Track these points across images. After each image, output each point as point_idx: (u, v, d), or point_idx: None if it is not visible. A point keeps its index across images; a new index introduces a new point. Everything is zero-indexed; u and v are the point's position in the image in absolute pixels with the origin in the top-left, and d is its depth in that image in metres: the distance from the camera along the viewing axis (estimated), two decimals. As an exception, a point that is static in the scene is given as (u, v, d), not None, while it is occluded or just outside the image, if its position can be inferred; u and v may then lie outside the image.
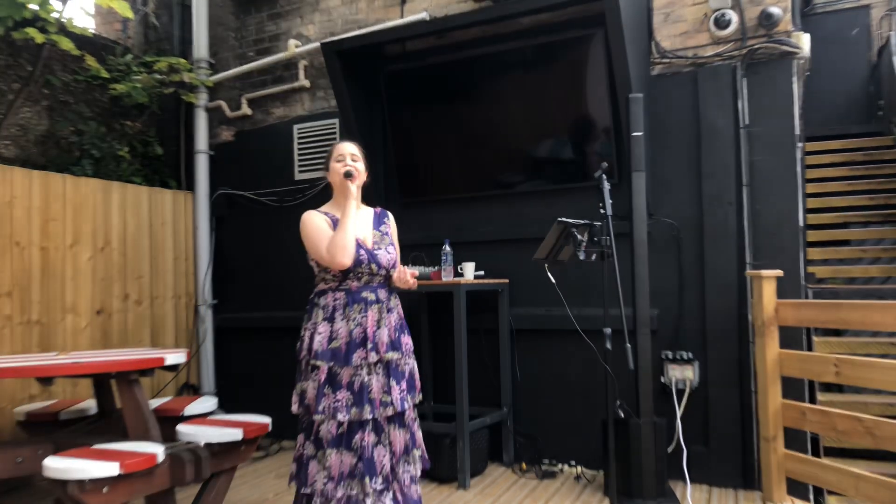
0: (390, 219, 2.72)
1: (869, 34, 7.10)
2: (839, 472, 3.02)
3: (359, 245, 2.47)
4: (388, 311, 2.51)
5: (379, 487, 2.40)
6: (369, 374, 2.43)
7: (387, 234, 2.63)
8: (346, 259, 2.37)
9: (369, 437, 2.42)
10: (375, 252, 2.51)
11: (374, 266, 2.48)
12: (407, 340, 2.56)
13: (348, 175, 2.50)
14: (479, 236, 4.27)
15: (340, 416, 2.38)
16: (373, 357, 2.42)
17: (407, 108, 4.41)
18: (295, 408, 2.50)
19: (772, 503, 3.27)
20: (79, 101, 4.77)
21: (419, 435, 2.61)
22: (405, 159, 4.44)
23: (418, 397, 2.57)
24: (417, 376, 2.60)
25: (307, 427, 2.50)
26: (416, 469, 2.51)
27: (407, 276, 2.51)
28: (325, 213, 2.54)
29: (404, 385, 2.49)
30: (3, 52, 4.31)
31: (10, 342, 3.86)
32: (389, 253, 2.55)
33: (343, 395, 2.41)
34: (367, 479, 2.38)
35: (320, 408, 2.41)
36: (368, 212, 2.69)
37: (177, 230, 5.01)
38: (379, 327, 2.46)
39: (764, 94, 3.58)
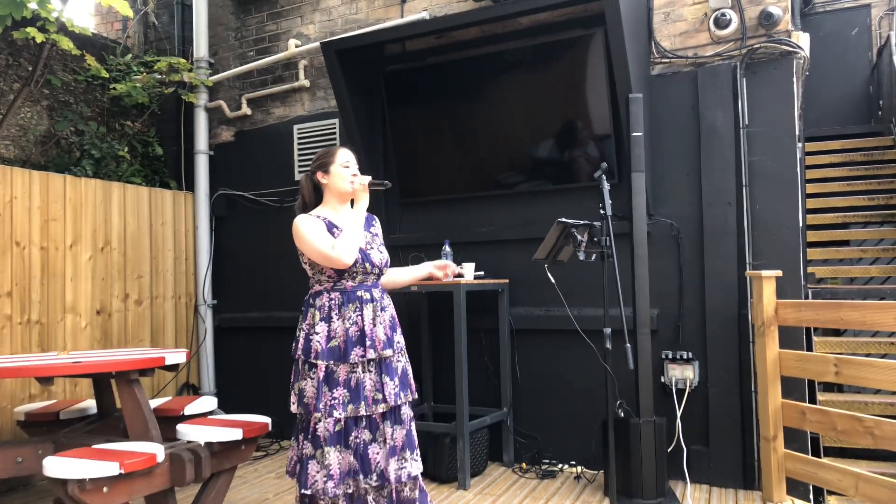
0: (377, 223, 2.77)
1: (869, 34, 7.10)
2: (839, 471, 3.02)
3: None
4: (382, 309, 2.55)
5: (374, 484, 2.44)
6: (363, 371, 2.48)
7: (377, 235, 2.69)
8: (351, 260, 2.44)
9: (363, 435, 2.46)
10: (368, 252, 2.56)
11: (367, 265, 2.53)
12: (399, 339, 2.60)
13: (381, 186, 2.62)
14: (479, 236, 4.27)
15: (337, 413, 2.41)
16: (371, 354, 2.46)
17: (407, 108, 4.41)
18: (294, 407, 2.52)
19: (772, 503, 3.27)
20: (79, 101, 4.78)
21: (415, 435, 2.62)
22: (405, 159, 4.44)
23: (412, 396, 2.59)
24: (411, 375, 2.63)
25: (305, 426, 2.52)
26: (416, 468, 2.52)
27: (453, 269, 2.70)
28: (318, 217, 2.56)
29: (397, 381, 2.53)
30: (3, 51, 4.31)
31: (10, 342, 3.86)
32: (382, 253, 2.62)
33: (340, 392, 2.44)
34: (360, 477, 2.43)
35: (319, 405, 2.44)
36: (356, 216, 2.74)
37: (177, 230, 5.02)
38: (375, 325, 2.50)
39: (764, 94, 3.58)
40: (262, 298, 5.02)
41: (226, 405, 4.97)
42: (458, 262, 4.11)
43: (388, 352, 2.50)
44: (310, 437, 2.48)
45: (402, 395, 2.53)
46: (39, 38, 3.86)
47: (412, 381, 2.62)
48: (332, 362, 2.46)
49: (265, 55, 5.05)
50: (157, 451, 2.62)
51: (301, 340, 2.54)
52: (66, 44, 3.98)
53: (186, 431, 2.93)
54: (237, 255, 5.11)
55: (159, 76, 4.92)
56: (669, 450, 3.60)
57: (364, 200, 2.59)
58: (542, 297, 4.06)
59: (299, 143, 4.88)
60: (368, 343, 2.47)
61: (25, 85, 4.12)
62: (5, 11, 3.57)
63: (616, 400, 2.89)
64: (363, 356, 2.46)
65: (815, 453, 3.52)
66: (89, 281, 4.33)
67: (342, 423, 2.46)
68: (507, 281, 4.11)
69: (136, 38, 5.60)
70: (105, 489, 2.46)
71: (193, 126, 5.16)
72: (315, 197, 2.67)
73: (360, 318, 2.49)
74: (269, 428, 3.17)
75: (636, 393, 3.38)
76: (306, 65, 4.88)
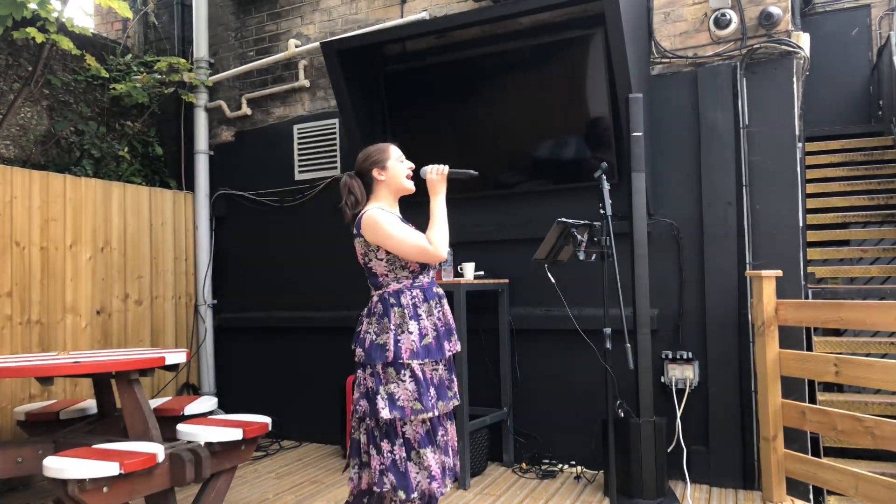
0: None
1: (869, 34, 7.10)
2: (839, 471, 3.02)
3: None
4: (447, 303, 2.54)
5: (452, 478, 2.45)
6: (444, 368, 2.45)
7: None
8: (447, 253, 2.44)
9: (452, 432, 2.47)
10: None
11: (436, 262, 2.50)
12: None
13: (468, 175, 2.66)
14: (479, 236, 4.27)
15: (435, 413, 2.35)
16: (458, 346, 2.48)
17: (407, 108, 4.41)
18: (386, 413, 2.31)
19: (772, 503, 3.27)
20: (79, 101, 4.78)
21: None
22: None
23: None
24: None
25: (392, 432, 2.36)
26: (458, 464, 2.53)
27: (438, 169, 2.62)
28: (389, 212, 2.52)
29: (454, 377, 2.53)
30: (3, 51, 4.31)
31: (10, 342, 3.86)
32: None
33: (433, 392, 2.40)
34: (446, 477, 2.42)
35: (428, 403, 2.33)
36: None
37: (177, 230, 5.02)
38: (451, 320, 2.49)
39: (764, 94, 3.58)
40: (262, 298, 5.02)
41: (226, 405, 4.97)
42: (457, 262, 4.11)
43: (459, 345, 2.51)
44: (401, 441, 2.35)
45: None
46: (39, 38, 3.86)
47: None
48: (427, 360, 2.38)
49: (265, 55, 5.05)
50: (157, 451, 2.62)
51: (391, 343, 2.34)
52: (66, 44, 3.98)
53: (186, 431, 2.93)
54: (237, 255, 5.11)
55: (159, 76, 4.92)
56: (669, 450, 3.60)
57: (442, 192, 2.56)
58: (542, 297, 4.06)
59: (299, 143, 4.88)
60: (455, 337, 2.47)
61: (25, 85, 4.12)
62: (6, 12, 3.57)
63: (616, 400, 2.88)
64: (451, 350, 2.45)
65: (815, 453, 3.52)
66: (89, 281, 4.33)
67: (429, 423, 2.37)
68: (507, 281, 4.11)
69: (136, 38, 5.60)
70: (105, 489, 2.46)
71: (193, 126, 5.16)
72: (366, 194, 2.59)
73: (440, 312, 2.45)
74: (269, 428, 3.17)
75: (636, 393, 3.38)
76: (306, 65, 4.88)
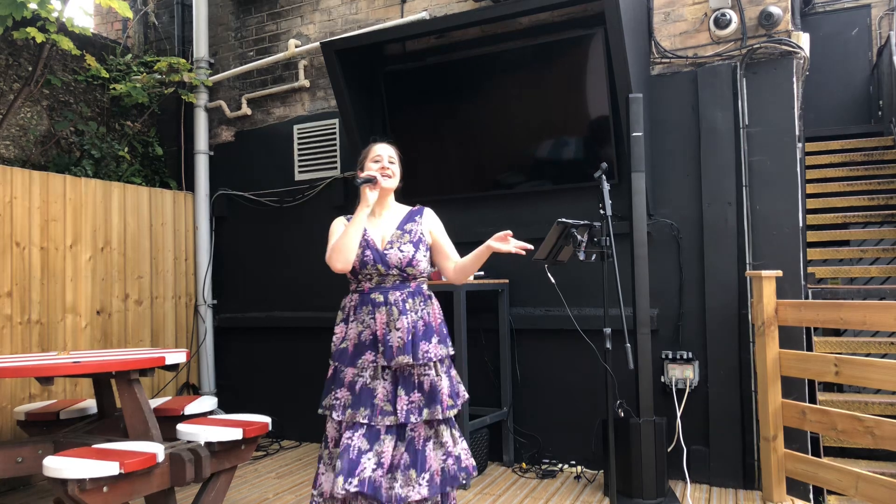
0: (425, 215, 2.60)
1: (869, 34, 7.10)
2: (839, 471, 3.02)
3: (368, 246, 2.41)
4: (403, 312, 2.36)
5: (353, 490, 2.23)
6: (374, 377, 2.36)
7: (410, 231, 2.49)
8: (338, 264, 2.33)
9: (358, 442, 2.30)
10: (385, 252, 2.41)
11: (381, 267, 2.39)
12: (427, 349, 2.37)
13: (367, 181, 2.41)
14: (478, 236, 4.25)
15: (336, 415, 2.36)
16: (382, 361, 2.35)
17: (407, 108, 4.41)
18: (321, 410, 2.48)
19: (772, 503, 3.27)
20: (79, 101, 4.78)
21: (431, 458, 2.35)
22: (405, 159, 4.42)
23: (444, 413, 2.34)
24: (445, 391, 2.36)
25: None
26: (414, 493, 2.27)
27: (509, 243, 2.44)
28: (349, 217, 2.53)
29: (416, 396, 2.33)
30: (3, 51, 4.31)
31: (10, 342, 3.86)
32: (402, 251, 2.41)
33: (342, 393, 2.38)
34: (339, 479, 2.23)
35: (325, 402, 2.43)
36: (400, 210, 2.60)
37: (177, 230, 5.02)
38: (389, 330, 2.35)
39: (764, 94, 3.58)
40: (262, 298, 5.02)
41: (226, 405, 4.98)
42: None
43: (406, 358, 2.31)
44: (324, 437, 2.46)
45: (424, 412, 2.32)
46: (39, 38, 3.86)
47: (446, 399, 2.36)
48: (340, 364, 2.41)
49: (265, 55, 5.05)
50: (157, 450, 2.62)
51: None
52: (66, 44, 3.98)
53: (186, 431, 2.93)
54: (237, 255, 5.11)
55: (159, 76, 4.92)
56: (669, 450, 3.60)
57: (363, 198, 2.38)
58: (542, 297, 4.06)
59: (299, 143, 4.88)
60: (381, 348, 2.35)
61: (25, 85, 4.12)
62: (6, 12, 3.57)
63: (616, 400, 2.88)
64: (374, 362, 2.35)
65: (815, 453, 3.52)
66: (89, 281, 4.33)
67: (343, 425, 2.37)
68: (507, 281, 4.11)
69: (136, 38, 5.60)
70: (105, 489, 2.46)
71: (193, 126, 5.16)
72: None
73: (372, 321, 2.38)
74: (269, 428, 3.17)
75: (636, 393, 3.38)
76: (306, 65, 4.88)
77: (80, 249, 4.29)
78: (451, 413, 2.38)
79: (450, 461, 2.38)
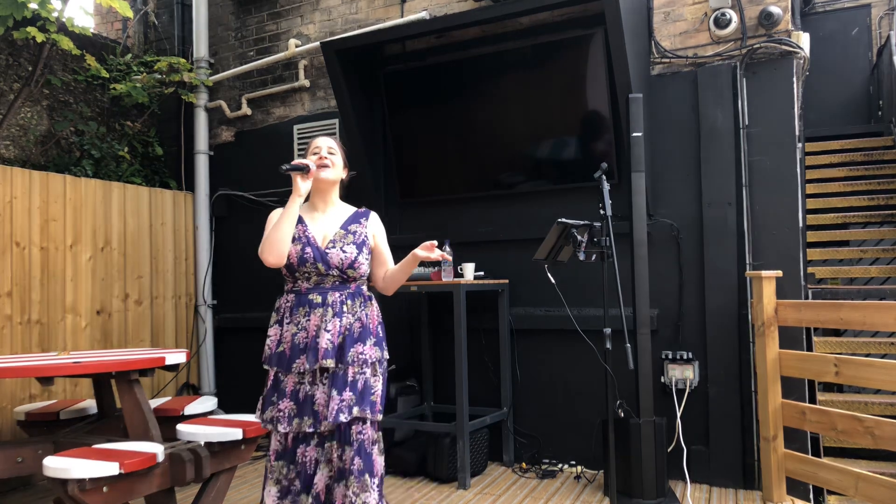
0: (371, 219, 2.47)
1: (869, 34, 7.10)
2: (839, 471, 3.02)
3: (308, 243, 2.32)
4: (337, 315, 2.27)
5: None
6: (313, 383, 2.26)
7: (354, 233, 2.38)
8: (270, 257, 2.23)
9: (312, 453, 2.24)
10: (327, 251, 2.31)
11: (321, 266, 2.29)
12: (362, 350, 2.28)
13: (295, 169, 2.27)
14: (479, 236, 4.27)
15: (281, 428, 2.23)
16: (307, 364, 2.23)
17: (407, 108, 4.41)
18: (257, 414, 2.34)
19: (772, 503, 3.27)
20: (79, 101, 4.78)
21: (378, 464, 2.28)
22: (405, 159, 4.44)
23: (372, 416, 2.25)
24: (379, 392, 2.30)
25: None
26: (369, 498, 2.19)
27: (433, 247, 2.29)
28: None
29: (347, 395, 2.22)
30: (3, 51, 4.31)
31: (10, 342, 3.86)
32: (344, 252, 2.31)
33: (286, 404, 2.26)
34: (302, 497, 2.21)
35: (266, 416, 2.29)
36: (345, 210, 2.48)
37: (177, 230, 5.02)
38: (320, 333, 2.25)
39: (764, 94, 3.58)
40: (262, 298, 5.01)
41: (226, 405, 4.97)
42: (458, 262, 4.11)
43: (329, 362, 2.22)
44: (269, 447, 2.34)
45: (354, 409, 2.20)
46: (40, 37, 3.86)
47: (380, 400, 2.30)
48: (278, 370, 2.29)
49: (265, 55, 5.05)
50: (157, 451, 2.62)
51: (265, 343, 2.38)
52: (67, 44, 3.98)
53: (186, 431, 2.93)
54: (237, 255, 5.11)
55: (159, 76, 4.92)
56: (669, 450, 3.60)
57: (295, 188, 2.25)
58: (542, 297, 4.06)
59: (299, 144, 4.88)
60: (310, 353, 2.24)
61: (25, 85, 4.12)
62: (6, 12, 3.57)
63: (616, 400, 2.88)
64: (303, 365, 2.25)
65: (815, 453, 3.52)
66: (89, 281, 4.33)
67: (289, 438, 2.27)
68: (507, 281, 4.11)
69: (136, 38, 5.60)
70: (105, 489, 2.46)
71: (193, 126, 5.16)
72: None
73: (308, 323, 2.27)
74: (269, 428, 3.16)
75: (636, 393, 3.38)
76: (306, 65, 4.88)
77: (80, 249, 4.29)
78: (380, 417, 2.28)
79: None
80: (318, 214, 2.43)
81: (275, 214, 2.41)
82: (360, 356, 2.27)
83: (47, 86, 4.52)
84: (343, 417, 2.19)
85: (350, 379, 2.24)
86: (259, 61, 5.01)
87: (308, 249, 2.31)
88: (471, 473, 3.73)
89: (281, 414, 2.25)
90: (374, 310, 2.40)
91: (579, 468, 3.90)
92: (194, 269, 5.12)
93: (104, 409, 3.31)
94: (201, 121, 5.14)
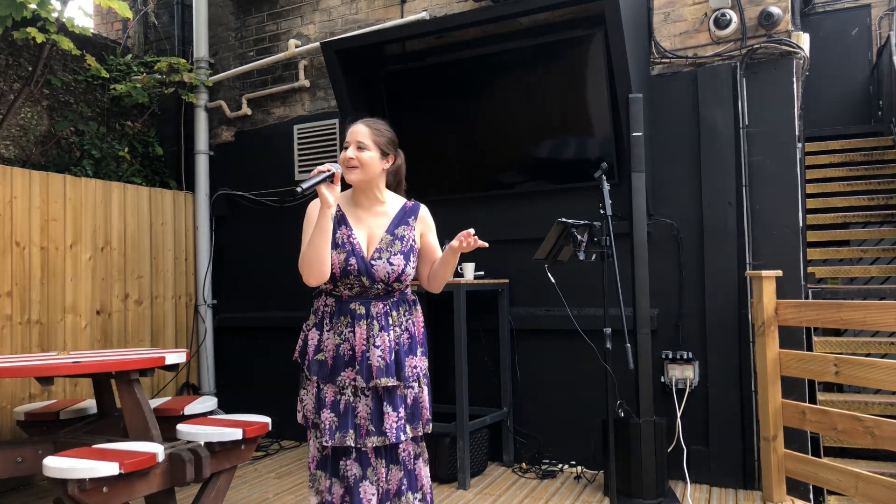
0: (420, 217, 2.28)
1: (869, 34, 7.10)
2: (839, 471, 3.02)
3: (353, 252, 2.11)
4: (384, 328, 2.11)
5: None
6: (356, 395, 2.12)
7: (402, 238, 2.19)
8: (312, 280, 2.01)
9: (353, 468, 2.12)
10: (373, 262, 2.12)
11: (365, 280, 2.10)
12: (416, 363, 2.17)
13: (316, 183, 1.96)
14: (479, 236, 4.26)
15: (325, 441, 2.10)
16: (360, 382, 2.09)
17: (407, 108, 4.41)
18: (299, 417, 2.21)
19: (772, 503, 3.27)
20: (79, 101, 4.78)
21: (424, 476, 2.22)
22: (405, 159, 4.43)
23: (423, 429, 2.20)
24: (426, 404, 2.20)
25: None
26: None
27: (470, 240, 2.13)
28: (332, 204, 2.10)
29: (402, 413, 2.12)
30: (3, 51, 4.31)
31: (10, 342, 3.86)
32: (392, 264, 2.12)
33: (327, 415, 2.11)
34: None
35: (308, 416, 2.18)
36: (392, 205, 2.26)
37: (177, 230, 5.02)
38: (369, 347, 2.09)
39: (764, 94, 3.58)
40: (262, 298, 5.02)
41: (226, 405, 4.97)
42: (458, 262, 4.10)
43: (387, 381, 2.09)
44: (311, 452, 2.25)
45: (407, 428, 2.13)
46: (40, 38, 3.86)
47: (427, 413, 2.21)
48: (319, 379, 2.14)
49: (265, 55, 5.05)
50: (157, 451, 2.62)
51: (300, 343, 2.21)
52: (67, 44, 3.98)
53: (186, 431, 2.93)
54: (237, 255, 5.11)
55: (159, 76, 4.92)
56: (669, 450, 3.60)
57: (323, 201, 1.99)
58: (542, 297, 4.06)
59: (299, 143, 4.88)
60: (358, 367, 2.09)
61: (25, 85, 4.12)
62: (6, 12, 3.57)
63: (616, 400, 2.88)
64: (353, 381, 2.10)
65: (815, 453, 3.52)
66: (89, 281, 4.33)
67: (329, 449, 2.16)
68: (507, 281, 4.11)
69: (136, 38, 5.60)
70: (105, 489, 2.46)
71: (193, 126, 5.16)
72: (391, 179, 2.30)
73: (352, 335, 2.11)
74: (269, 428, 3.16)
75: (636, 393, 3.38)
76: (306, 65, 4.88)
77: (80, 249, 4.29)
78: (430, 428, 2.23)
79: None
80: (362, 213, 2.19)
81: (313, 210, 2.14)
82: (414, 370, 2.17)
83: (47, 86, 4.52)
84: (403, 437, 2.12)
85: (400, 394, 2.15)
86: (259, 61, 5.01)
87: (352, 261, 2.10)
88: (471, 473, 3.73)
89: (324, 426, 2.11)
90: (418, 315, 2.26)
91: (579, 468, 3.90)
92: (194, 268, 5.12)
93: (104, 409, 3.31)
94: (201, 121, 5.14)
